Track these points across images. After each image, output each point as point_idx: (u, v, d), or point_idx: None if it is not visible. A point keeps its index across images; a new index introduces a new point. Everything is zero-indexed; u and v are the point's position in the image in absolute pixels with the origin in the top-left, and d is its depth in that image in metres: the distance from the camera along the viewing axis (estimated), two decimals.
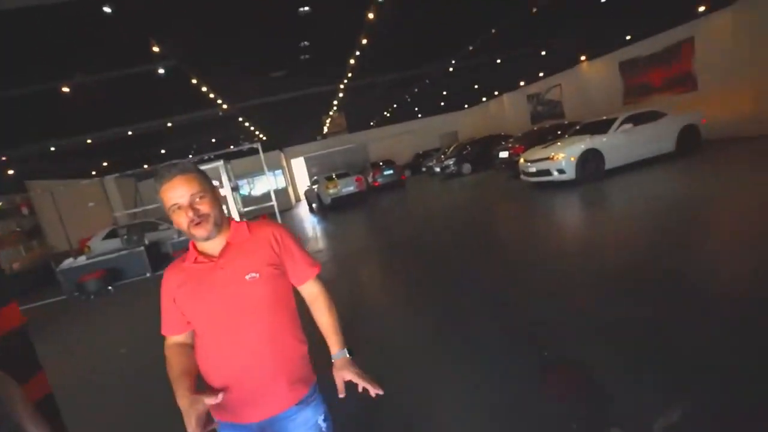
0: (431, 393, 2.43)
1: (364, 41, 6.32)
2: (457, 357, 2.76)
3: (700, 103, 9.09)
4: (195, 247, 1.20)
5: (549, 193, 7.71)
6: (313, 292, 1.29)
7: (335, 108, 13.45)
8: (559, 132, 10.95)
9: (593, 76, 12.97)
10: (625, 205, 6.00)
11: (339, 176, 13.99)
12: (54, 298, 8.48)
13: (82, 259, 8.78)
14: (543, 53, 10.15)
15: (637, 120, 7.89)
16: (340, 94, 10.61)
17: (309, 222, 12.78)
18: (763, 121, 8.22)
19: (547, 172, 7.86)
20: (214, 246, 1.18)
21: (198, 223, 1.11)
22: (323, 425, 1.21)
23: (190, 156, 14.53)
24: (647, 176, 7.27)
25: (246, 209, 9.56)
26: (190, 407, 0.99)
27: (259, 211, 11.39)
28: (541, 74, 14.54)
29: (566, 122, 12.07)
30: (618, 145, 7.70)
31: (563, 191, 7.51)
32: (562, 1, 6.38)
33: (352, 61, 7.45)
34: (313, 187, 14.86)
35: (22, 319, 1.47)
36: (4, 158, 9.41)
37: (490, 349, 2.76)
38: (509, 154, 11.50)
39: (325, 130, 18.51)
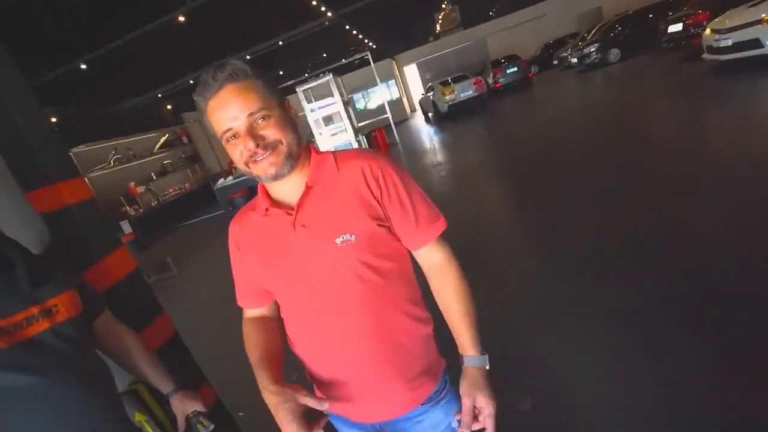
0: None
1: None
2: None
3: None
4: (265, 191, 0.86)
5: (755, 79, 5.53)
6: (433, 262, 0.87)
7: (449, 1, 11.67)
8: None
9: None
10: None
11: (455, 80, 12.74)
12: (215, 212, 10.12)
13: (230, 179, 10.08)
14: None
15: None
16: None
17: (425, 133, 12.22)
18: None
19: (756, 43, 5.54)
20: (290, 189, 0.82)
21: (262, 158, 0.75)
22: (457, 427, 0.87)
23: (306, 74, 14.75)
24: None
25: (361, 123, 9.43)
26: (279, 406, 0.73)
27: (374, 125, 11.25)
28: None
29: None
30: None
31: None
32: None
33: None
34: (429, 94, 13.92)
35: (134, 263, 1.44)
36: (160, 95, 10.85)
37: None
38: (684, 25, 8.59)
39: (438, 28, 16.66)
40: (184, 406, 1.27)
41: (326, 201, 0.80)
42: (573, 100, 9.37)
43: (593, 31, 12.81)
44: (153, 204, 10.56)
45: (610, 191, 3.65)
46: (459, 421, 0.83)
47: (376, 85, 13.26)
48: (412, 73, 20.15)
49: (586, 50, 12.12)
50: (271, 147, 0.75)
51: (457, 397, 0.89)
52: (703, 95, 5.91)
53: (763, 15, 5.46)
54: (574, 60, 12.80)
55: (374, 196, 0.79)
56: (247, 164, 0.76)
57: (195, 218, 10.07)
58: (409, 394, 0.86)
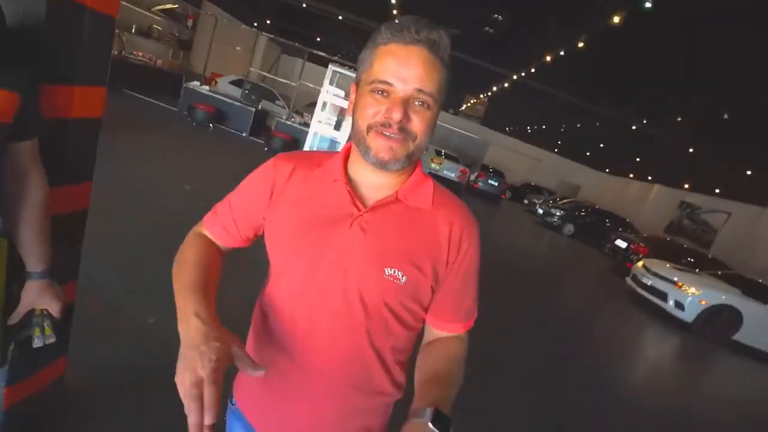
0: None
1: (581, 44, 5.42)
2: None
3: None
4: (345, 159, 0.72)
5: (650, 320, 6.53)
6: (450, 344, 0.76)
7: (488, 94, 12.54)
8: (692, 260, 9.27)
9: None
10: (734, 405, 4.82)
11: (447, 157, 13.40)
12: (168, 105, 9.15)
13: (204, 88, 9.29)
14: (748, 172, 8.36)
15: None
16: (505, 84, 9.73)
17: None
18: None
19: (663, 297, 6.61)
20: (374, 183, 0.70)
21: (389, 135, 0.63)
22: None
23: (339, 56, 14.51)
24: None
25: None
26: (207, 344, 0.51)
27: None
28: (716, 190, 12.29)
29: (710, 256, 10.17)
30: (766, 323, 6.21)
31: (668, 328, 6.30)
32: None
33: (548, 58, 6.57)
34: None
35: (100, 110, 1.22)
36: None
37: None
38: (627, 247, 10.03)
39: (462, 107, 17.70)
40: (38, 298, 1.03)
41: (402, 224, 0.69)
42: (524, 243, 10.28)
43: (565, 201, 14.46)
44: (113, 52, 9.26)
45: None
46: None
47: None
48: None
49: (552, 210, 13.57)
50: (405, 134, 0.63)
51: None
52: (615, 313, 6.80)
53: (681, 281, 6.57)
54: (540, 211, 14.22)
55: (447, 258, 0.69)
56: (369, 127, 0.64)
57: (145, 96, 8.99)
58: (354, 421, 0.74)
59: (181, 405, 0.45)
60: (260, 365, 0.55)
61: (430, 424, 0.55)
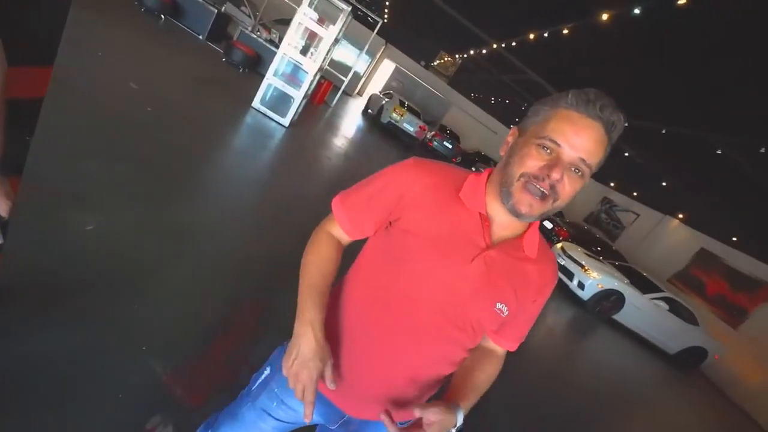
0: None
1: (565, 31, 5.52)
2: None
3: (727, 342, 8.81)
4: (483, 191, 0.77)
5: (554, 294, 7.44)
6: (496, 355, 0.91)
7: (463, 55, 12.37)
8: (600, 249, 10.55)
9: (671, 236, 12.38)
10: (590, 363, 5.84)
11: (410, 110, 13.23)
12: (195, 32, 7.97)
13: (249, 33, 8.08)
14: (664, 184, 9.45)
15: (673, 307, 7.57)
16: (483, 51, 9.66)
17: (354, 120, 12.18)
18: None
19: (570, 276, 7.54)
20: (502, 221, 0.77)
21: (539, 191, 0.68)
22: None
23: None
24: (632, 357, 7.10)
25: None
26: (314, 358, 0.72)
27: (326, 74, 10.68)
28: (635, 193, 13.78)
29: (614, 248, 11.61)
30: (641, 310, 7.42)
31: (567, 303, 7.27)
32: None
33: (531, 36, 6.60)
34: (383, 98, 14.03)
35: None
36: None
37: None
38: (552, 228, 11.06)
39: (435, 63, 17.32)
40: None
41: (514, 267, 0.78)
42: None
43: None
44: None
45: None
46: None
47: (359, 47, 12.76)
48: (386, 68, 20.10)
49: None
50: (553, 196, 0.69)
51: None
52: None
53: (587, 266, 7.50)
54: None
55: (532, 298, 0.83)
56: (523, 175, 0.69)
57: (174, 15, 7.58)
58: (399, 413, 0.86)
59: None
60: (333, 379, 0.74)
61: (456, 415, 0.73)
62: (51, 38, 1.13)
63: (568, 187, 0.69)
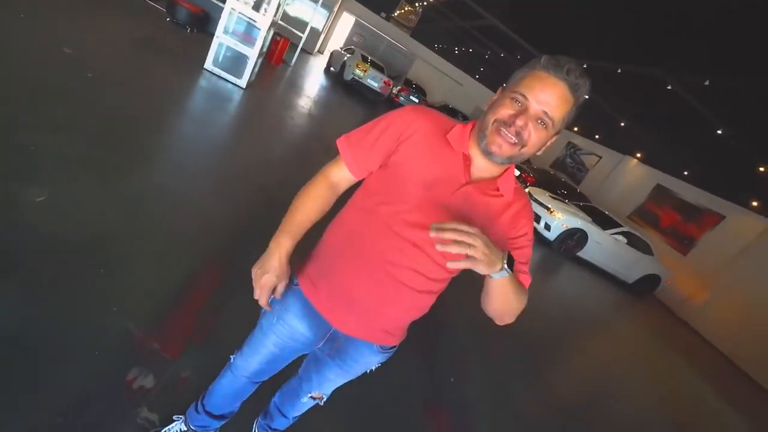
0: None
1: None
2: None
3: (677, 268, 9.61)
4: (468, 137, 0.90)
5: None
6: None
7: (423, 3, 11.91)
8: (566, 192, 11.01)
9: (629, 175, 13.00)
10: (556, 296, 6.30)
11: (373, 65, 12.86)
12: None
13: None
14: (622, 125, 9.77)
15: (630, 240, 8.12)
16: None
17: (316, 79, 11.74)
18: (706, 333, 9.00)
19: (537, 219, 7.88)
20: (480, 163, 0.90)
21: (507, 137, 0.82)
22: (371, 371, 1.11)
23: None
24: (594, 288, 7.67)
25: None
26: (273, 273, 0.90)
27: (283, 31, 10.13)
28: (596, 136, 14.21)
29: (578, 190, 12.14)
30: (602, 245, 7.93)
31: (534, 244, 7.65)
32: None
33: None
34: (345, 53, 13.50)
35: None
36: None
37: None
38: (519, 174, 11.38)
39: (396, 13, 16.63)
40: None
41: (489, 203, 0.90)
42: None
43: (466, 119, 15.36)
44: None
45: None
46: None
47: (313, 0, 12.04)
48: (345, 23, 19.15)
49: None
50: (519, 142, 0.82)
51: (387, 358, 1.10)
52: None
53: (550, 206, 7.85)
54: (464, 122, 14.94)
55: (511, 234, 0.94)
56: (495, 121, 0.83)
57: None
58: (382, 335, 1.01)
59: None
60: (281, 301, 1.00)
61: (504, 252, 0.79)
62: None
63: (533, 136, 0.82)
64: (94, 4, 5.89)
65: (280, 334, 1.03)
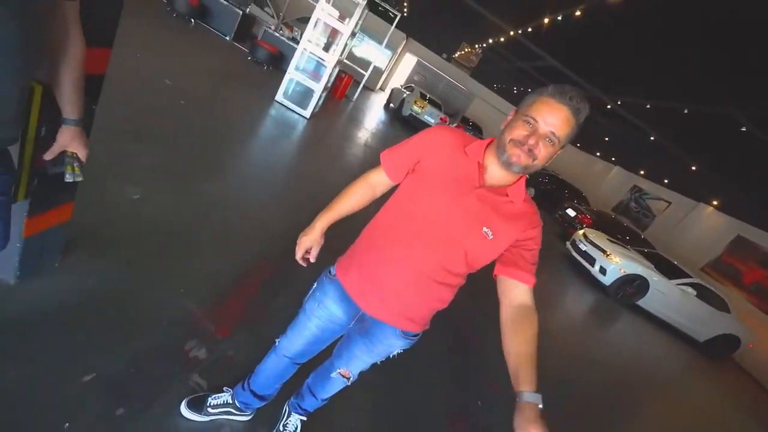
0: None
1: (578, 13, 5.51)
2: None
3: (762, 329, 8.48)
4: (486, 150, 1.07)
5: (574, 275, 7.44)
6: (524, 301, 1.05)
7: (483, 45, 12.33)
8: (628, 238, 10.32)
9: (704, 223, 11.90)
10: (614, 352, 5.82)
11: (431, 102, 13.33)
12: (217, 29, 8.46)
13: (272, 30, 8.59)
14: (693, 168, 9.14)
15: (702, 294, 7.37)
16: (502, 39, 9.64)
17: (376, 114, 12.41)
18: None
19: (592, 262, 7.49)
20: (493, 172, 1.05)
21: (520, 152, 0.97)
22: (394, 356, 1.25)
23: None
24: (658, 342, 6.99)
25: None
26: (314, 241, 1.22)
27: (347, 69, 10.96)
28: (665, 180, 13.31)
29: (642, 236, 11.32)
30: (666, 295, 7.28)
31: (589, 288, 7.24)
32: None
33: (546, 20, 6.61)
34: (404, 91, 14.19)
35: None
36: None
37: None
38: (575, 215, 10.91)
39: (456, 54, 17.28)
40: (72, 142, 1.22)
41: (499, 206, 1.04)
42: None
43: None
44: None
45: None
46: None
47: (378, 40, 12.95)
48: (407, 62, 20.17)
49: None
50: (529, 157, 0.98)
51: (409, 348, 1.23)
52: (549, 264, 7.62)
53: (609, 251, 7.42)
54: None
55: (521, 235, 1.05)
56: (511, 140, 0.98)
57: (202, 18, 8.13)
58: (406, 323, 1.14)
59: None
60: (308, 260, 1.26)
61: (535, 405, 0.84)
62: (109, 24, 1.41)
63: (543, 151, 0.97)
64: (191, 45, 6.91)
65: (321, 317, 1.22)
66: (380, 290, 1.10)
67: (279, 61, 8.54)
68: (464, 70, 18.29)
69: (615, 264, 7.17)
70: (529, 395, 0.87)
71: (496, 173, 1.05)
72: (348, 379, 1.32)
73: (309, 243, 1.21)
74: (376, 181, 1.20)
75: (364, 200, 1.22)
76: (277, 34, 8.71)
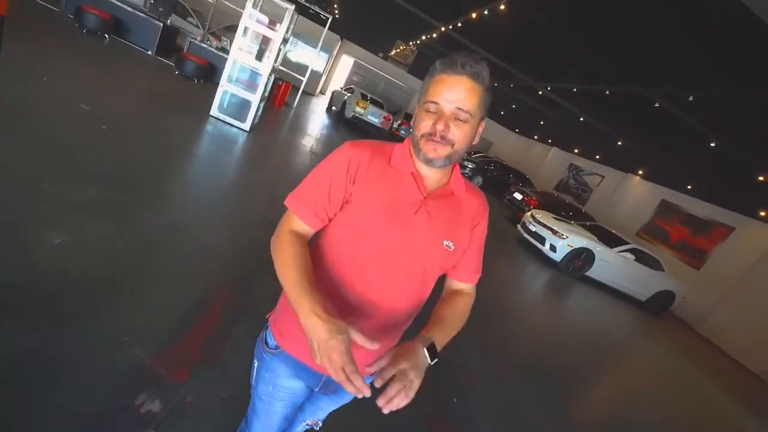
0: None
1: (502, 7, 5.75)
2: None
3: (691, 283, 9.42)
4: (409, 153, 0.94)
5: (530, 259, 7.82)
6: (463, 290, 1.06)
7: (417, 42, 12.57)
8: (571, 214, 11.02)
9: (634, 192, 13.00)
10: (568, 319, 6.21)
11: (373, 102, 13.40)
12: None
13: (201, 42, 7.96)
14: (619, 143, 9.93)
15: (639, 257, 8.04)
16: (434, 35, 9.86)
17: (319, 119, 12.24)
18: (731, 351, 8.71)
19: (542, 241, 7.90)
20: (428, 174, 0.93)
21: (436, 143, 0.86)
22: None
23: None
24: (607, 307, 7.54)
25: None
26: (333, 337, 0.70)
27: (284, 76, 10.71)
28: (597, 156, 14.36)
29: (584, 210, 12.15)
30: (610, 263, 7.86)
31: (542, 266, 7.64)
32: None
33: (473, 15, 6.83)
34: (345, 93, 14.13)
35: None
36: None
37: None
38: (522, 198, 11.46)
39: (392, 53, 17.46)
40: None
41: (450, 207, 0.95)
42: None
43: (477, 155, 15.67)
44: None
45: None
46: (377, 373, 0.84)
47: (313, 44, 12.77)
48: (345, 64, 20.18)
49: (465, 162, 14.65)
50: (446, 142, 0.86)
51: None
52: (501, 252, 7.95)
53: (554, 227, 7.87)
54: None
55: (472, 228, 0.99)
56: (421, 136, 0.87)
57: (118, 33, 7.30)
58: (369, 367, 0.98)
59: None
60: (371, 339, 0.74)
61: (425, 350, 0.82)
62: None
63: (458, 133, 0.85)
64: (107, 63, 6.38)
65: (283, 398, 1.03)
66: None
67: (210, 73, 8.14)
68: (402, 67, 18.53)
69: (563, 240, 7.62)
70: (426, 339, 0.86)
71: (432, 175, 0.94)
72: (316, 424, 1.21)
73: (343, 342, 0.71)
74: (303, 230, 0.92)
75: (307, 250, 0.92)
76: (204, 45, 8.30)
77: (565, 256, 7.60)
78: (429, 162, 0.89)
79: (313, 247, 0.96)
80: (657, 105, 5.99)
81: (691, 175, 9.51)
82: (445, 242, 0.93)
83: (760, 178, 7.06)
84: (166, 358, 1.76)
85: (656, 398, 4.48)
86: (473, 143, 0.92)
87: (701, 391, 5.55)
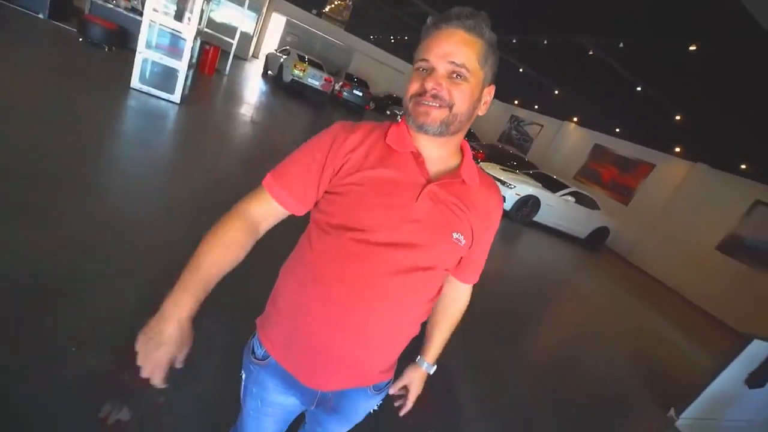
0: None
1: None
2: None
3: (622, 217, 10.37)
4: (407, 131, 0.79)
5: None
6: (460, 294, 1.00)
7: None
8: (515, 163, 11.51)
9: (570, 139, 13.78)
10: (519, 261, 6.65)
11: (312, 63, 12.69)
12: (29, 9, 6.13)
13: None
14: (556, 92, 10.32)
15: (579, 198, 8.66)
16: None
17: (256, 85, 11.44)
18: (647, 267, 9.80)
19: None
20: (430, 154, 0.79)
21: (428, 105, 0.73)
22: (374, 410, 0.99)
23: None
24: (552, 247, 8.15)
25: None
26: (169, 340, 0.68)
27: (212, 39, 9.76)
28: (536, 106, 14.91)
29: (527, 159, 12.73)
30: (554, 208, 8.40)
31: None
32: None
33: None
34: (281, 55, 13.22)
35: None
36: None
37: None
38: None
39: (326, 9, 16.45)
40: None
41: (459, 197, 0.80)
42: None
43: None
44: None
45: None
46: (395, 396, 1.05)
47: (236, 1, 11.66)
48: (276, 23, 18.73)
49: None
50: (439, 101, 0.73)
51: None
52: None
53: (502, 178, 8.20)
54: (398, 119, 15.11)
55: (482, 225, 0.84)
56: (411, 98, 0.75)
57: None
58: (376, 376, 0.90)
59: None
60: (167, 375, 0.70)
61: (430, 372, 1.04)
62: None
63: (454, 92, 0.72)
64: None
65: (272, 413, 0.92)
66: (337, 362, 0.81)
67: (122, 38, 7.19)
68: (338, 25, 17.63)
69: (511, 190, 7.97)
70: (428, 366, 1.03)
71: (435, 155, 0.80)
72: None
73: (171, 354, 0.69)
74: (261, 216, 0.79)
75: (243, 251, 0.77)
76: (110, 6, 7.25)
77: (514, 205, 7.99)
78: (421, 128, 0.76)
79: (299, 241, 0.85)
80: (591, 52, 6.22)
81: (619, 119, 10.20)
82: (454, 234, 0.78)
83: (677, 118, 7.73)
84: (124, 362, 1.62)
85: (601, 318, 5.01)
86: (480, 113, 0.80)
87: (634, 309, 6.29)
